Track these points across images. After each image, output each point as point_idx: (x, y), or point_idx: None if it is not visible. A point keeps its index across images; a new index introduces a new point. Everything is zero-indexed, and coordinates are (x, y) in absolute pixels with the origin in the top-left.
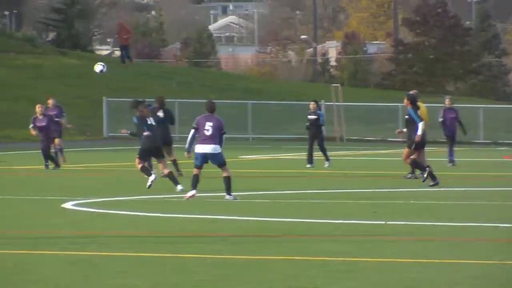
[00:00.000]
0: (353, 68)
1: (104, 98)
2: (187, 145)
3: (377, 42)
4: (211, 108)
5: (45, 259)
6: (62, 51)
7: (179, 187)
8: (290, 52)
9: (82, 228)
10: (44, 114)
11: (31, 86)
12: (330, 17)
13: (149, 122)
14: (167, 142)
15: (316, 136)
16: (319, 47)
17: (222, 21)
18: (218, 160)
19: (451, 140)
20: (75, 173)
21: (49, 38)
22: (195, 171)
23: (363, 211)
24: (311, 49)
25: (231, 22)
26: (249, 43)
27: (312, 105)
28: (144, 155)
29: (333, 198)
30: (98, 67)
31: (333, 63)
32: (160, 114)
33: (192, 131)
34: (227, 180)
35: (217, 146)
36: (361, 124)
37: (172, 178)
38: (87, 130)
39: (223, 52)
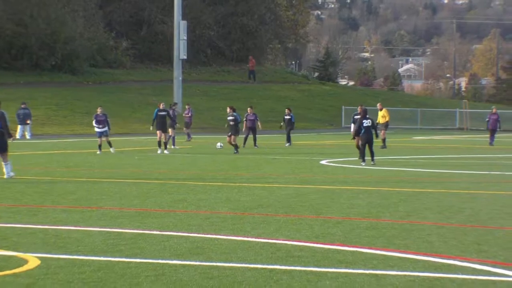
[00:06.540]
0: (473, 91)
1: (343, 107)
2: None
3: (486, 78)
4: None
5: None
6: (322, 82)
7: None
8: (440, 83)
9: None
10: None
11: (306, 101)
12: (462, 65)
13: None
14: None
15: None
16: (456, 80)
17: (405, 67)
18: None
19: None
20: None
21: (315, 75)
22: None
23: None
24: (451, 82)
25: (410, 68)
26: (419, 78)
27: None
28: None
29: None
30: (218, 144)
31: (463, 89)
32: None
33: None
34: None
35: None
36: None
37: None
38: (333, 122)
39: (405, 83)
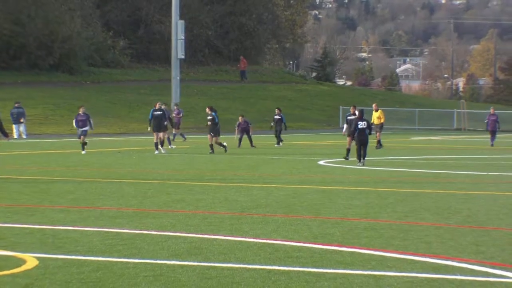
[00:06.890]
0: (471, 92)
1: (340, 107)
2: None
3: (484, 78)
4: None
5: None
6: (319, 82)
7: None
8: (438, 84)
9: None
10: None
11: (304, 101)
12: (460, 65)
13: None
14: None
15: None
16: (454, 81)
17: (403, 67)
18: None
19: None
20: None
21: (313, 75)
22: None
23: None
24: (449, 82)
25: (408, 68)
26: (417, 79)
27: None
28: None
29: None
30: None
31: (461, 89)
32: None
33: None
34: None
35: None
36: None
37: None
38: (330, 123)
39: (403, 83)
